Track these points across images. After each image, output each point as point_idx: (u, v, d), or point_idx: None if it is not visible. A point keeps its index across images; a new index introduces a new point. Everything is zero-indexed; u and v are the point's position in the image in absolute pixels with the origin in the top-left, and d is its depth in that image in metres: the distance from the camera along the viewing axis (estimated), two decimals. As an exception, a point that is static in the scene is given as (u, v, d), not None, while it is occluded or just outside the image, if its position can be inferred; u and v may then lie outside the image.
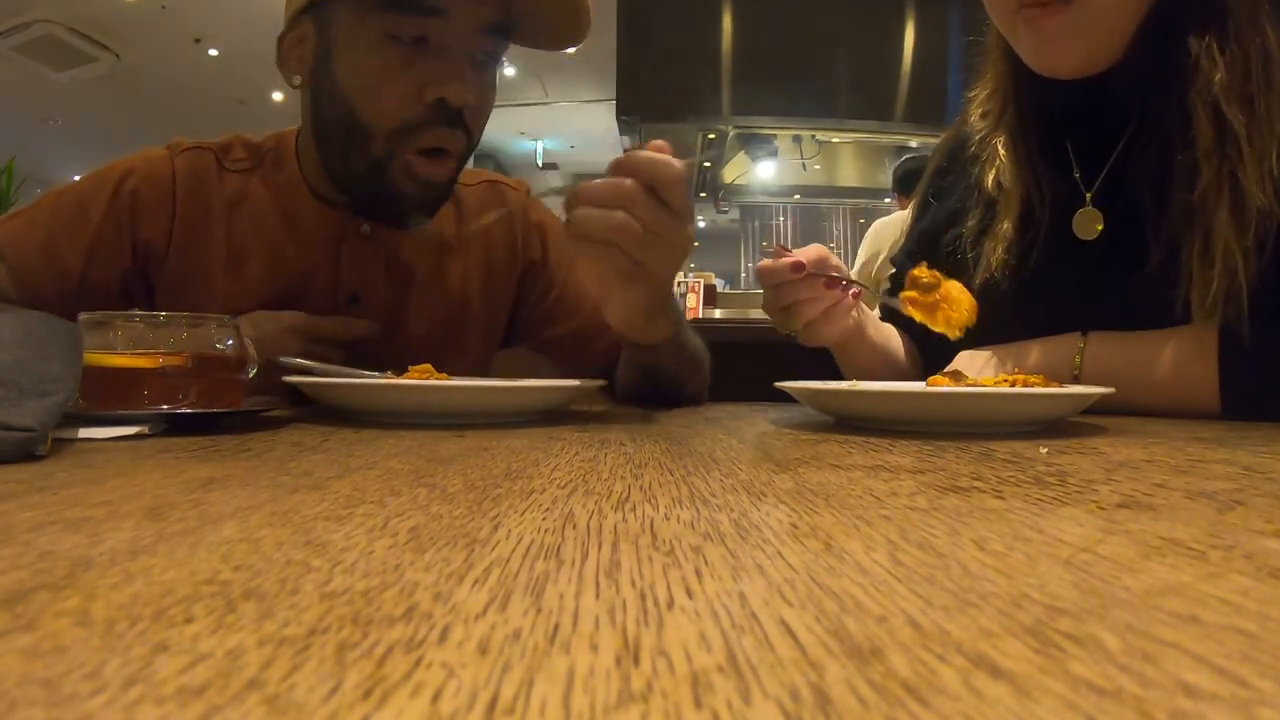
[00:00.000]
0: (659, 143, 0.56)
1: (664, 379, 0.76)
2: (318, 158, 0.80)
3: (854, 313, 0.76)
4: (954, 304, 0.67)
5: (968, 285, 0.80)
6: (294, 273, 0.81)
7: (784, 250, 0.70)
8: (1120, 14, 0.68)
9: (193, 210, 0.80)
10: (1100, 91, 0.72)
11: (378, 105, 0.70)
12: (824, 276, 0.69)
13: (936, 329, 0.67)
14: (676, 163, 0.54)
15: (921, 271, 0.68)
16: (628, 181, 0.53)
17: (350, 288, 0.83)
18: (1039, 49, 0.71)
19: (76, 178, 0.83)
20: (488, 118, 0.77)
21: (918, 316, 0.68)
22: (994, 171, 0.79)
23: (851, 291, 0.72)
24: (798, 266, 0.68)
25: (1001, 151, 0.79)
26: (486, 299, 0.91)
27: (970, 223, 0.81)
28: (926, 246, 0.88)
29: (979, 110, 0.83)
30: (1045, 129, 0.78)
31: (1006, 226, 0.77)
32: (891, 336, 0.89)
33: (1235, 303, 0.63)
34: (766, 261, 0.70)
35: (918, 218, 0.95)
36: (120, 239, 0.79)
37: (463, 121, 0.72)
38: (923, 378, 0.89)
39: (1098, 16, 0.67)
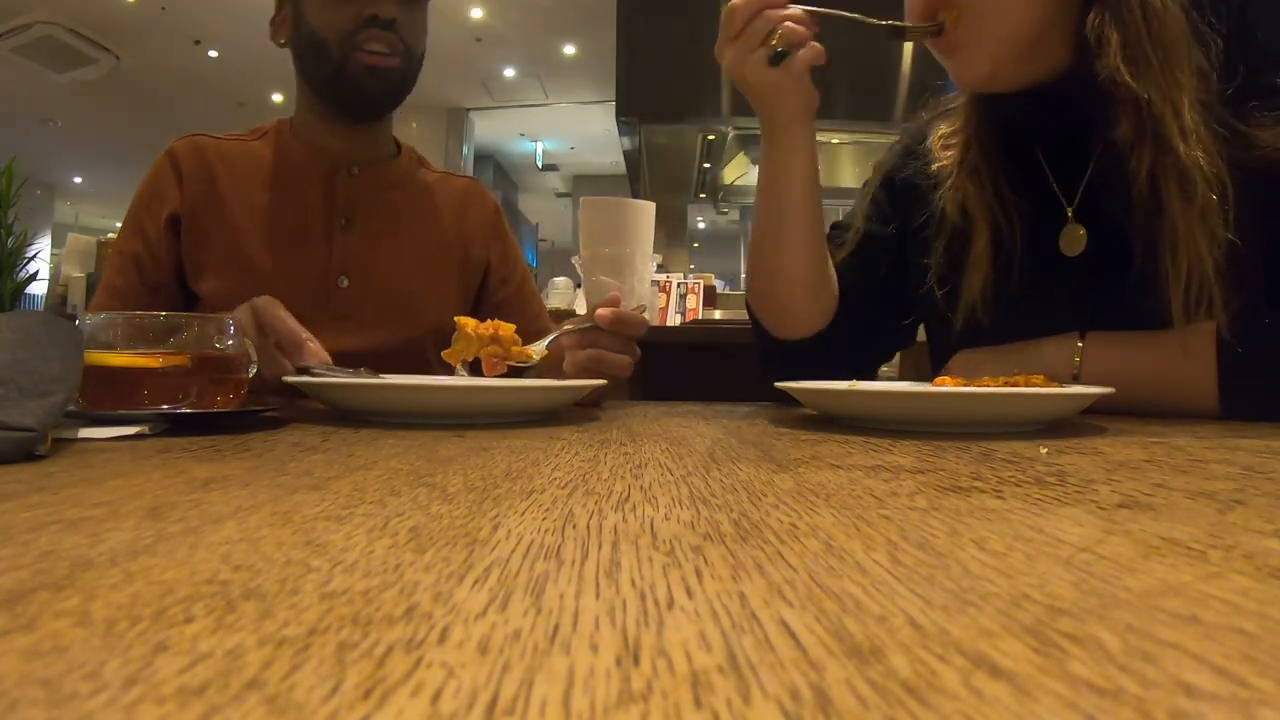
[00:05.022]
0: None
1: None
2: (307, 96, 1.01)
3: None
4: None
5: (948, 321, 0.79)
6: (294, 203, 0.99)
7: None
8: (1015, 18, 0.68)
9: (195, 174, 0.98)
10: (1059, 102, 0.72)
11: (329, 26, 0.95)
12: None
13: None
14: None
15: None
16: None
17: (344, 211, 1.00)
18: (950, 66, 0.72)
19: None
20: (422, 36, 1.01)
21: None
22: (960, 197, 0.77)
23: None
24: None
25: (966, 179, 0.78)
26: (463, 254, 1.08)
27: (933, 259, 0.80)
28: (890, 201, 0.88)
29: (940, 142, 0.83)
30: (1014, 150, 0.77)
31: (978, 253, 0.76)
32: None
33: (1208, 302, 0.62)
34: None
35: (879, 195, 0.92)
36: (155, 217, 0.98)
37: (396, 30, 0.95)
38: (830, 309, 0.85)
39: (987, 26, 0.68)
